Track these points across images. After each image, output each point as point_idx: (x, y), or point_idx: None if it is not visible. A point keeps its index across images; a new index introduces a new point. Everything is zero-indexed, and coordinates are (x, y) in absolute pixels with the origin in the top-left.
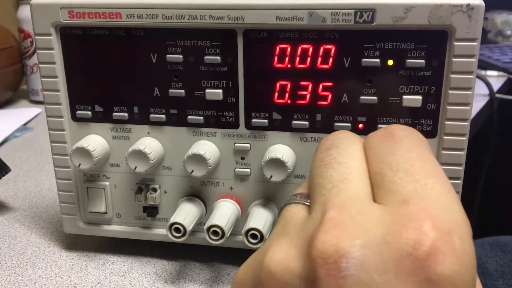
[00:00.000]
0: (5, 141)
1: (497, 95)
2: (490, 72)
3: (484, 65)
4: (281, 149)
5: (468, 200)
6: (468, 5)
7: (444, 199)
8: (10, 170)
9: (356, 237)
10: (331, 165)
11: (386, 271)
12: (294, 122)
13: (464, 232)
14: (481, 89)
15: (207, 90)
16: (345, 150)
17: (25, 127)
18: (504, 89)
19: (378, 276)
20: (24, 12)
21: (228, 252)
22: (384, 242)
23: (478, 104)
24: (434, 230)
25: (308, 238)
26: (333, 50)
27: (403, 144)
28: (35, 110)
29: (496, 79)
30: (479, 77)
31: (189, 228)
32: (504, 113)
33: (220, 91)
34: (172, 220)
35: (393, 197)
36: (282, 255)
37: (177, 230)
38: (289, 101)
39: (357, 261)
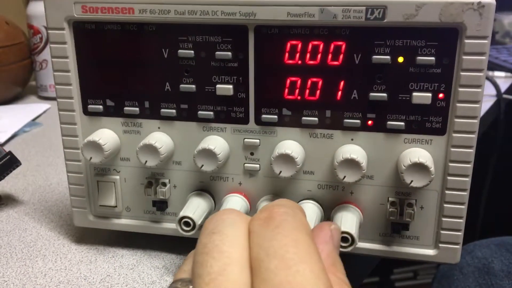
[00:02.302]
0: (14, 136)
1: (504, 96)
2: (497, 73)
3: (491, 66)
4: (291, 145)
5: (474, 200)
6: (479, 3)
7: (312, 285)
8: (20, 164)
9: None
10: (212, 254)
11: None
12: (303, 118)
13: None
14: (488, 89)
15: (217, 86)
16: (228, 236)
17: (34, 122)
18: (511, 90)
19: None
20: (34, 8)
21: None
22: None
23: (485, 104)
24: None
25: None
26: (343, 47)
27: (281, 229)
28: (44, 105)
29: (503, 80)
30: (486, 77)
31: (198, 222)
32: (511, 113)
33: (231, 86)
34: (181, 214)
35: (265, 285)
36: None
37: (187, 224)
38: (299, 97)
39: None
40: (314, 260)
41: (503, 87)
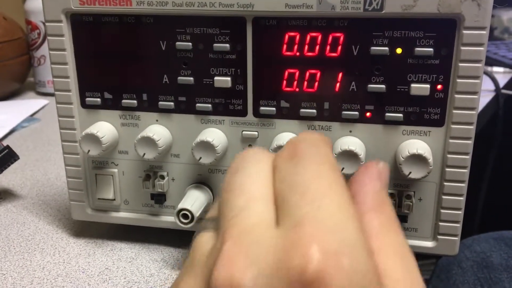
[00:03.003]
0: (12, 131)
1: (503, 91)
2: (496, 69)
3: (490, 61)
4: (289, 137)
5: (473, 195)
6: None
7: (336, 218)
8: (18, 158)
9: (248, 268)
10: (234, 191)
11: None
12: (302, 110)
13: (354, 250)
14: (487, 85)
15: (215, 78)
16: (251, 173)
17: (32, 118)
18: (510, 85)
19: None
20: (32, 4)
21: None
22: (275, 269)
23: (483, 99)
24: (320, 253)
25: (209, 272)
26: (342, 38)
27: (304, 164)
28: (42, 101)
29: (502, 75)
30: (485, 73)
31: (196, 214)
32: (509, 109)
33: (229, 78)
34: (180, 206)
35: (288, 220)
36: None
37: (185, 216)
38: (297, 89)
39: None
40: (338, 193)
41: (502, 82)
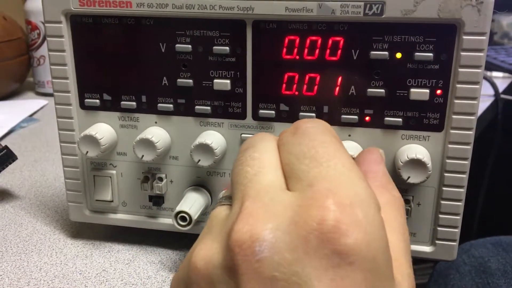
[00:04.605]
0: (11, 131)
1: (502, 96)
2: (495, 73)
3: (489, 66)
4: None
5: (472, 200)
6: None
7: (345, 176)
8: (16, 158)
9: (267, 221)
10: (246, 163)
11: (295, 249)
12: (301, 113)
13: (367, 203)
14: (486, 89)
15: (215, 80)
16: (260, 148)
17: (31, 118)
18: (509, 90)
19: (289, 254)
20: (32, 4)
21: None
22: (293, 223)
23: (483, 104)
24: (336, 205)
25: (228, 231)
26: (341, 42)
27: (307, 135)
28: (41, 101)
29: (501, 80)
30: (484, 77)
31: (194, 217)
32: (508, 114)
33: (228, 81)
34: (178, 208)
35: (300, 183)
36: (205, 250)
37: (183, 218)
38: (296, 93)
39: (269, 243)
40: (344, 156)
41: (501, 87)
